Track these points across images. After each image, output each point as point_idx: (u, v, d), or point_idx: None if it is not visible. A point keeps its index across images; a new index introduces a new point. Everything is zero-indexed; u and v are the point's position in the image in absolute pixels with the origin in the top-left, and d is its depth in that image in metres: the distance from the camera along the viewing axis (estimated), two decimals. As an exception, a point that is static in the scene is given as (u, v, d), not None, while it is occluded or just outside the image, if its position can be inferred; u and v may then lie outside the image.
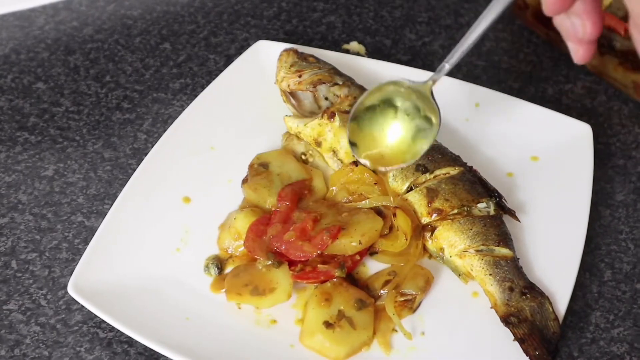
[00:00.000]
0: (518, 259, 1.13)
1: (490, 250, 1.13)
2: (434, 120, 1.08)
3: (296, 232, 1.13)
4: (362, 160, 1.10)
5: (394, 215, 1.16)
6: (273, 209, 1.19)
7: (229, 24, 1.57)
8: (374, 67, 1.38)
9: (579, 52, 0.95)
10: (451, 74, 1.45)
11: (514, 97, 1.34)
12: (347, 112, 1.24)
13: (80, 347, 1.11)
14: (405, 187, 1.19)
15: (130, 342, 1.11)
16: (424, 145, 1.09)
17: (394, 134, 1.10)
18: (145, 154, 1.27)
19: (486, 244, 1.13)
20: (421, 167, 1.19)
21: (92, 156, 1.34)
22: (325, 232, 1.12)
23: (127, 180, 1.22)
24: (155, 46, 1.52)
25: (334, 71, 1.31)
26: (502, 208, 1.17)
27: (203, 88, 1.38)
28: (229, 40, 1.54)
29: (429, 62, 1.50)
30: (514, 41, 1.54)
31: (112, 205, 1.19)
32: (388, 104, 1.10)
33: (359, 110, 1.10)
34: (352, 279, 1.15)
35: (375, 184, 1.19)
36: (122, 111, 1.41)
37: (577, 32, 0.92)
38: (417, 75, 1.36)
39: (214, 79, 1.37)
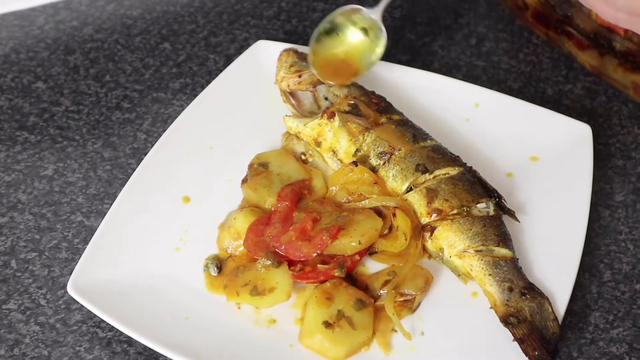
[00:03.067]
0: (517, 259, 1.13)
1: (489, 251, 1.13)
2: (381, 43, 1.31)
3: (296, 232, 1.13)
4: (315, 71, 1.29)
5: (394, 215, 1.16)
6: (273, 208, 1.19)
7: (228, 24, 1.57)
8: (373, 68, 1.38)
9: None
10: (451, 74, 1.46)
11: (513, 97, 1.34)
12: (347, 112, 1.24)
13: (80, 347, 1.11)
14: (404, 187, 1.19)
15: (130, 341, 1.11)
16: (371, 60, 1.32)
17: (346, 51, 1.32)
18: (145, 154, 1.27)
19: (486, 244, 1.13)
20: (421, 167, 1.19)
21: (91, 156, 1.34)
22: (325, 232, 1.12)
23: (127, 180, 1.22)
24: (155, 46, 1.52)
25: (334, 71, 1.31)
26: (502, 208, 1.17)
27: (203, 88, 1.38)
28: (229, 40, 1.54)
29: (428, 62, 1.50)
30: (513, 41, 1.54)
31: (111, 204, 1.19)
32: (343, 27, 1.32)
33: (319, 33, 1.32)
34: (351, 279, 1.15)
35: (374, 183, 1.19)
36: (121, 111, 1.41)
37: None
38: (417, 76, 1.37)
39: (213, 78, 1.37)
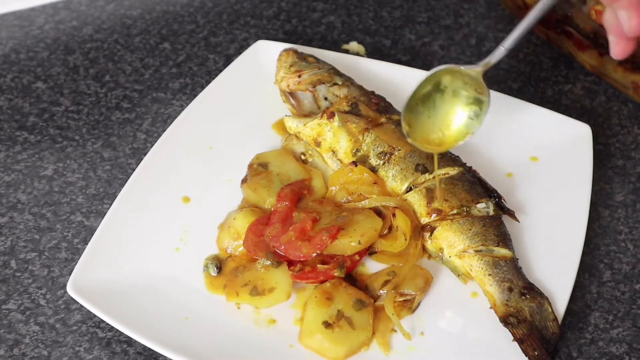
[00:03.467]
0: (517, 259, 1.13)
1: (489, 251, 1.13)
2: (485, 101, 1.17)
3: (295, 232, 1.13)
4: (419, 146, 1.17)
5: (394, 215, 1.16)
6: (272, 208, 1.19)
7: (228, 24, 1.57)
8: (373, 68, 1.38)
9: (618, 46, 0.95)
10: (451, 74, 1.46)
11: (513, 97, 1.34)
12: (347, 112, 1.24)
13: (80, 347, 1.11)
14: (404, 187, 1.19)
15: (130, 341, 1.11)
16: (475, 126, 1.17)
17: (447, 117, 1.18)
18: (145, 154, 1.27)
19: (485, 244, 1.13)
20: (420, 167, 1.19)
21: (91, 156, 1.34)
22: (325, 232, 1.12)
23: (127, 180, 1.22)
24: (154, 46, 1.52)
25: (334, 71, 1.31)
26: (502, 208, 1.17)
27: (202, 88, 1.38)
28: (229, 40, 1.54)
29: (428, 63, 1.50)
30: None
31: (111, 204, 1.19)
32: (440, 90, 1.17)
33: (413, 99, 1.16)
34: (351, 279, 1.14)
35: (374, 183, 1.19)
36: (121, 111, 1.41)
37: (621, 24, 0.91)
38: (416, 75, 1.37)
39: (213, 78, 1.37)
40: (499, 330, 1.08)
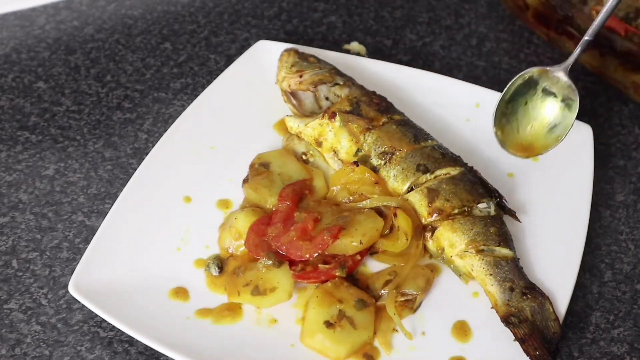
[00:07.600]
0: (518, 259, 1.14)
1: (490, 251, 1.13)
2: (574, 102, 1.18)
3: (297, 232, 1.13)
4: (510, 153, 1.20)
5: (395, 215, 1.16)
6: (274, 208, 1.19)
7: (229, 24, 1.57)
8: (374, 68, 1.38)
9: None
10: (452, 74, 1.46)
11: (514, 97, 1.34)
12: (348, 112, 1.24)
13: (81, 347, 1.11)
14: (405, 187, 1.19)
15: (131, 341, 1.11)
16: (566, 126, 1.18)
17: (536, 120, 1.21)
18: (146, 154, 1.27)
19: (487, 244, 1.13)
20: (422, 167, 1.19)
21: (92, 155, 1.34)
22: (326, 232, 1.12)
23: (128, 180, 1.22)
24: (156, 46, 1.52)
25: (335, 71, 1.31)
26: (503, 208, 1.17)
27: (204, 88, 1.38)
28: (230, 40, 1.54)
29: (429, 63, 1.50)
30: (514, 42, 1.54)
31: (112, 204, 1.19)
32: (526, 94, 1.21)
33: (500, 105, 1.20)
34: (352, 278, 1.15)
35: (375, 183, 1.19)
36: (122, 111, 1.41)
37: None
38: (418, 76, 1.37)
39: (214, 78, 1.37)
40: (500, 330, 1.08)
